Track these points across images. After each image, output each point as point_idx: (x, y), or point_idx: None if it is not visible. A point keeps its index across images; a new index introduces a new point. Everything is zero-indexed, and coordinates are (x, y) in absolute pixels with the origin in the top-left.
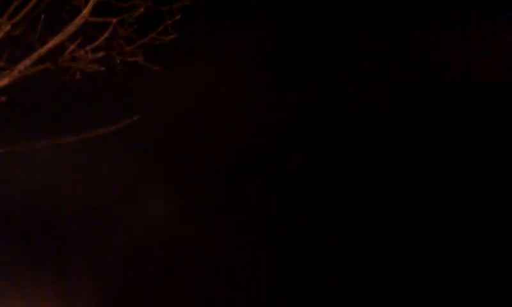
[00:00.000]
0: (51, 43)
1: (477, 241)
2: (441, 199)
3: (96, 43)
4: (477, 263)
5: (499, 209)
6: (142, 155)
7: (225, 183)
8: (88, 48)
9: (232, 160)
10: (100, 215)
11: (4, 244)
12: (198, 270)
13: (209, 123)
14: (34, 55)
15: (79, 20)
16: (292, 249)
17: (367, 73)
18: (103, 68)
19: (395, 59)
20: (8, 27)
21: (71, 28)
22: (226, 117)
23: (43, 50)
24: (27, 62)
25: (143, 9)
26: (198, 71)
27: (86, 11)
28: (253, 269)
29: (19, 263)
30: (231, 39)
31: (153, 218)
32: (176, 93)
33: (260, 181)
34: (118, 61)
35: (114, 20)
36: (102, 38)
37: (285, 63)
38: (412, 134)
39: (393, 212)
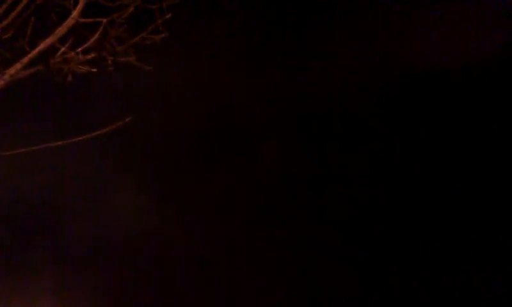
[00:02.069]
0: (42, 46)
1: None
2: (412, 188)
3: (87, 44)
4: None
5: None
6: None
7: (201, 176)
8: (79, 49)
9: (207, 152)
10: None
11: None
12: (174, 264)
13: (184, 116)
14: (25, 59)
15: (69, 22)
16: (267, 241)
17: (332, 64)
18: (94, 69)
19: (360, 49)
20: None
21: (61, 30)
22: (201, 110)
23: (34, 53)
24: (18, 65)
25: (132, 9)
26: (179, 68)
27: (75, 13)
28: (229, 264)
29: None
30: (215, 36)
31: (128, 213)
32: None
33: (234, 173)
34: (110, 62)
35: (105, 20)
36: (93, 39)
37: (264, 58)
38: (381, 123)
39: (371, 201)
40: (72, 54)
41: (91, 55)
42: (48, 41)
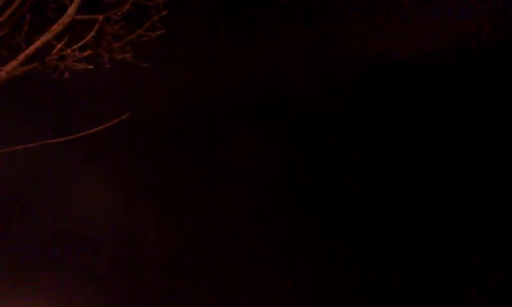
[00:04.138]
0: (38, 43)
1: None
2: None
3: (83, 41)
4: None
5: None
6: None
7: (169, 169)
8: (75, 46)
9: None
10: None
11: None
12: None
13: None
14: (22, 56)
15: (65, 19)
16: (244, 233)
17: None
18: (91, 66)
19: (325, 41)
20: None
21: (57, 27)
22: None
23: (30, 50)
24: (14, 63)
25: (129, 5)
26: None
27: (71, 9)
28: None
29: None
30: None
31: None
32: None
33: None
34: (106, 59)
35: (101, 17)
36: (89, 36)
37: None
38: (351, 111)
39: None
40: (68, 51)
41: (88, 53)
42: (45, 38)
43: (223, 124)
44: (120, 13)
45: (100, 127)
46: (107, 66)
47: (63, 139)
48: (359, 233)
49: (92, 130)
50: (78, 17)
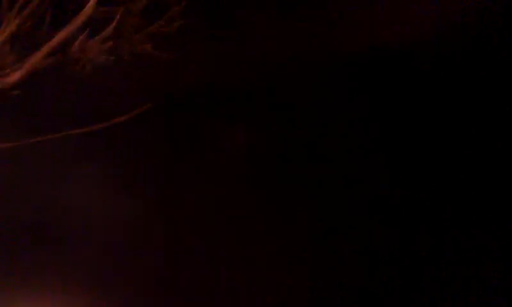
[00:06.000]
0: (61, 35)
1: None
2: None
3: (104, 33)
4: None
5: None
6: None
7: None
8: (96, 38)
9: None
10: None
11: None
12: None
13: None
14: (45, 48)
15: (87, 10)
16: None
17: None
18: (112, 58)
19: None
20: (17, 21)
21: (80, 18)
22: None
23: (54, 42)
24: (38, 55)
25: None
26: None
27: (93, 1)
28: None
29: None
30: None
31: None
32: None
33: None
34: (127, 51)
35: (122, 8)
36: (110, 27)
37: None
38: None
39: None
40: (90, 43)
41: (109, 44)
42: (67, 30)
43: (216, 117)
44: (140, 5)
45: (120, 119)
46: (126, 57)
47: (82, 130)
48: (354, 231)
49: (109, 123)
50: (100, 9)
